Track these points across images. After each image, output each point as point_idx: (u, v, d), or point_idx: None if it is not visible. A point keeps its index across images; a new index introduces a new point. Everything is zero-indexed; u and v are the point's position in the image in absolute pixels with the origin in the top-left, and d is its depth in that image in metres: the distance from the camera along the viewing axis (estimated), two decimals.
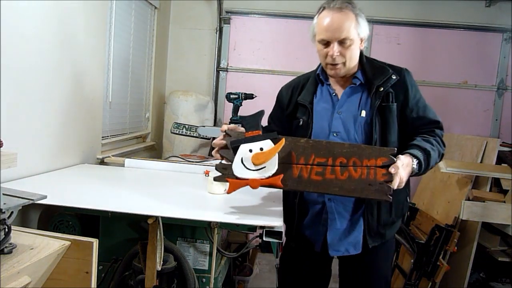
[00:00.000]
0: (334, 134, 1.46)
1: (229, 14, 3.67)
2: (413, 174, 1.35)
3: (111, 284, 1.57)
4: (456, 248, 2.65)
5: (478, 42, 3.54)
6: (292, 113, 1.56)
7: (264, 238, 1.32)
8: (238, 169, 1.29)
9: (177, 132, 3.13)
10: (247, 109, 3.04)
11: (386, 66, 1.49)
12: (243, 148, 1.31)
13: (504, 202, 2.61)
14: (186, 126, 3.15)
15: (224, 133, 1.37)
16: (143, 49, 3.14)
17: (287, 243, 1.71)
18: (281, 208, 1.53)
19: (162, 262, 1.47)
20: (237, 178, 1.29)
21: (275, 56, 3.68)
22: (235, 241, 2.29)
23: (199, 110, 3.29)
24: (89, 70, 2.15)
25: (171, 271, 1.53)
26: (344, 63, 1.42)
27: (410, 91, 1.46)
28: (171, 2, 3.67)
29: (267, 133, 1.35)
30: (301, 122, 1.51)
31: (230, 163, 1.31)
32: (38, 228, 1.59)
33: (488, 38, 3.54)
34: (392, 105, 1.43)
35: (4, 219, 0.91)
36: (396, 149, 1.30)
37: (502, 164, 2.87)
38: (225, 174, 1.30)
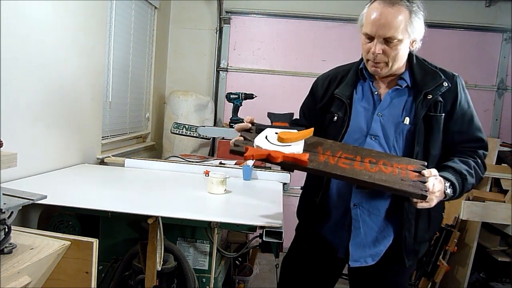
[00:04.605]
0: (372, 138, 1.32)
1: (229, 14, 3.67)
2: (446, 198, 1.23)
3: (111, 284, 1.57)
4: (456, 248, 2.65)
5: (478, 42, 3.54)
6: (326, 106, 1.42)
7: (264, 238, 1.31)
8: (260, 142, 1.17)
9: (177, 132, 3.13)
10: (247, 109, 3.06)
11: (438, 71, 1.35)
12: (269, 130, 1.23)
13: (504, 202, 2.61)
14: (186, 126, 3.15)
15: (250, 123, 1.30)
16: (143, 49, 3.14)
17: (299, 243, 1.58)
18: (281, 208, 1.53)
19: (162, 262, 1.47)
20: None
21: (275, 56, 3.68)
22: (235, 241, 2.29)
23: (199, 110, 3.29)
24: (89, 70, 2.15)
25: (171, 271, 1.53)
26: (386, 63, 1.29)
27: (458, 101, 1.32)
28: (171, 2, 3.67)
29: (295, 126, 1.29)
30: (335, 118, 1.37)
31: (251, 139, 1.20)
32: (38, 228, 1.59)
33: (488, 38, 3.54)
34: (440, 116, 1.29)
35: (4, 219, 0.91)
36: (426, 163, 1.22)
37: (502, 164, 2.87)
38: (246, 143, 1.18)
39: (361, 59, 1.41)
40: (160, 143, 3.42)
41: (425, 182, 1.12)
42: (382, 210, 1.34)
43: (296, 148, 1.16)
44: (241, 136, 1.24)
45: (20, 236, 1.01)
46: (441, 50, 3.52)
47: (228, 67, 3.72)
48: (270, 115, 1.35)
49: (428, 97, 1.29)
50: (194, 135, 3.14)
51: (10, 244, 0.94)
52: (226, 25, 3.67)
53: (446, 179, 1.21)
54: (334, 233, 1.41)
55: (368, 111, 1.35)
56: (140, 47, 3.05)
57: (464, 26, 3.52)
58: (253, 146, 1.16)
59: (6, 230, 0.93)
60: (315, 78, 1.55)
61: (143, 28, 3.12)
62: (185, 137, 3.17)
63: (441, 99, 1.30)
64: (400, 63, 1.32)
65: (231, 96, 3.01)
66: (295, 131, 1.24)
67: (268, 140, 1.18)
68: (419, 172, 1.16)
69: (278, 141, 1.17)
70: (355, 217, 1.35)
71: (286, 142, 1.17)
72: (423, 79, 1.32)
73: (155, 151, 3.45)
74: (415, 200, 1.14)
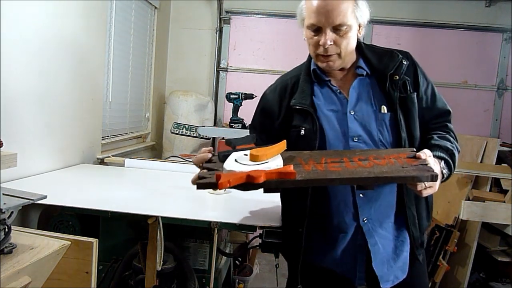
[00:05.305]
0: (355, 139, 1.19)
1: (229, 14, 3.67)
2: (444, 178, 1.13)
3: (111, 284, 1.57)
4: (456, 248, 2.65)
5: (478, 42, 3.54)
6: (285, 121, 1.26)
7: (264, 238, 1.31)
8: (232, 166, 0.98)
9: (177, 132, 3.14)
10: (247, 109, 3.05)
11: (393, 50, 1.25)
12: (236, 154, 1.05)
13: (504, 202, 2.61)
14: (186, 126, 3.16)
15: (208, 153, 1.14)
16: (143, 49, 3.14)
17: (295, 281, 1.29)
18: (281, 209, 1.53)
19: (162, 262, 1.47)
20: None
21: (275, 56, 3.68)
22: (235, 241, 2.29)
23: (199, 110, 3.29)
24: (89, 70, 2.15)
25: (171, 271, 1.53)
26: (339, 54, 1.17)
27: (419, 77, 1.23)
28: (171, 2, 3.67)
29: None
30: (302, 131, 1.21)
31: (217, 169, 1.02)
32: (38, 228, 1.59)
33: (488, 38, 3.54)
34: (413, 95, 1.20)
35: (4, 219, 0.91)
36: (415, 149, 1.10)
37: (502, 164, 2.87)
38: (213, 173, 0.97)
39: (308, 61, 1.30)
40: (160, 143, 3.43)
41: (426, 164, 1.01)
42: (391, 214, 1.23)
43: (275, 163, 0.99)
44: (203, 169, 1.06)
45: (20, 236, 1.01)
46: (441, 50, 3.53)
47: (228, 67, 3.72)
48: (228, 141, 1.13)
49: (395, 78, 1.19)
50: (194, 135, 3.15)
51: (10, 244, 0.94)
52: (226, 25, 3.67)
53: (439, 157, 1.12)
54: (345, 263, 1.23)
55: (338, 113, 1.22)
56: (140, 47, 3.05)
57: (464, 26, 3.52)
58: (225, 170, 0.98)
59: (6, 230, 0.93)
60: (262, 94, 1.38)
61: (143, 28, 3.12)
62: (185, 137, 3.17)
63: (407, 77, 1.21)
64: (351, 52, 1.21)
65: (231, 96, 3.01)
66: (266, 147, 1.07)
67: (240, 163, 0.99)
68: (414, 157, 1.04)
69: (252, 160, 0.99)
70: (368, 233, 1.20)
71: (262, 160, 0.99)
72: (381, 63, 1.22)
73: (155, 151, 3.45)
74: (419, 188, 1.04)
